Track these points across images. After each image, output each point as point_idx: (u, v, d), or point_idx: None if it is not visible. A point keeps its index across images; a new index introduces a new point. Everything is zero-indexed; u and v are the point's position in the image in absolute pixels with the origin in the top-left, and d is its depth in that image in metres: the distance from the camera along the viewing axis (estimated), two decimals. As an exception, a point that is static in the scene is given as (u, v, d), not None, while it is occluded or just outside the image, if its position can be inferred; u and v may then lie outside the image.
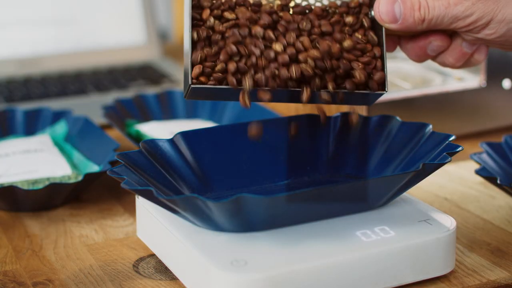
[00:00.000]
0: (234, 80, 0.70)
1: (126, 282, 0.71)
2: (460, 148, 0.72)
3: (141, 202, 0.75)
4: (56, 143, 0.95)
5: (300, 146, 0.80)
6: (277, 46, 0.71)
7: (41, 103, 1.13)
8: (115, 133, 1.02)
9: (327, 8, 0.76)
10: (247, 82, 0.70)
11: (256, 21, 0.73)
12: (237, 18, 0.73)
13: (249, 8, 0.74)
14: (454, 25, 0.75)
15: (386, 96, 0.97)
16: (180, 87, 1.19)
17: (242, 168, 0.78)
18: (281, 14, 0.74)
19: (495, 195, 0.87)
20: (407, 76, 1.05)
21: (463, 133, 1.01)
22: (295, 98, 0.73)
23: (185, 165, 0.77)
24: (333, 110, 0.96)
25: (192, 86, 0.71)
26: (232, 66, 0.71)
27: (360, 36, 0.75)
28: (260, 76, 0.71)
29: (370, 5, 0.76)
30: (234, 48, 0.71)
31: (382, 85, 0.74)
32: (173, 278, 0.72)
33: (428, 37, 0.78)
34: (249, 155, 0.78)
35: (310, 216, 0.69)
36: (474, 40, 0.77)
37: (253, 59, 0.71)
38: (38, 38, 1.29)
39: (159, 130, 0.96)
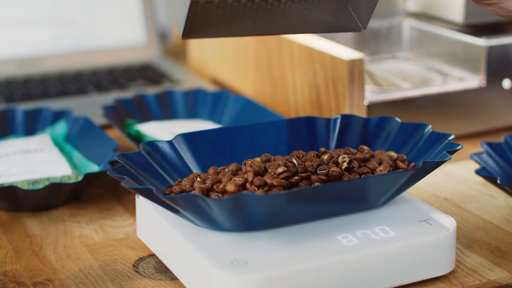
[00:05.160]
0: None
1: (126, 282, 0.71)
2: (459, 147, 0.72)
3: (141, 202, 0.75)
4: (56, 143, 0.95)
5: (300, 148, 0.80)
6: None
7: (41, 103, 1.13)
8: (115, 133, 1.02)
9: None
10: None
11: None
12: None
13: None
14: None
15: (386, 96, 0.97)
16: (179, 87, 1.19)
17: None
18: None
19: (495, 195, 0.87)
20: (407, 76, 1.05)
21: (463, 133, 1.01)
22: None
23: (185, 166, 0.77)
24: (333, 112, 0.96)
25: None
26: None
27: None
28: None
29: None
30: None
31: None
32: (173, 278, 0.72)
33: None
34: (249, 157, 0.78)
35: (310, 215, 0.70)
36: None
37: None
38: (38, 38, 1.29)
39: (159, 130, 0.96)
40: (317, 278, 0.65)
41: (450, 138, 0.74)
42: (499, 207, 0.85)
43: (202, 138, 0.78)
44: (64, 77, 1.25)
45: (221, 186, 0.70)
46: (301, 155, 0.76)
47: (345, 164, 0.73)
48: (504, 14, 0.73)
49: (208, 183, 0.72)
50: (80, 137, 0.95)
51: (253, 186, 0.70)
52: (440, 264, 0.69)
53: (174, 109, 1.05)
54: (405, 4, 1.14)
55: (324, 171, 0.72)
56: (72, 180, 0.86)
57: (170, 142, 0.77)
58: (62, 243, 0.78)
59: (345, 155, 0.74)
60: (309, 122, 0.81)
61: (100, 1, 1.33)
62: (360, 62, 0.93)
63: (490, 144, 0.88)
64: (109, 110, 0.99)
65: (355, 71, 0.93)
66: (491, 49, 1.00)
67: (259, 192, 0.69)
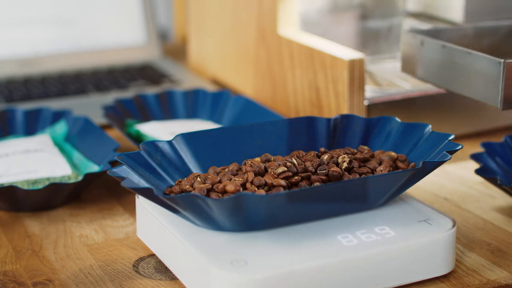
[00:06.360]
0: None
1: (126, 282, 0.71)
2: (459, 147, 0.72)
3: (141, 202, 0.75)
4: (56, 143, 0.95)
5: (300, 148, 0.80)
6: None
7: (41, 103, 1.13)
8: (115, 133, 1.02)
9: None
10: None
11: None
12: None
13: None
14: None
15: (386, 96, 0.97)
16: (179, 87, 1.19)
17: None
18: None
19: (495, 195, 0.87)
20: (407, 76, 1.05)
21: (463, 133, 1.01)
22: None
23: (185, 166, 0.77)
24: (333, 112, 0.96)
25: None
26: None
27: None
28: None
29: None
30: None
31: None
32: (173, 278, 0.72)
33: None
34: (249, 157, 0.78)
35: (310, 215, 0.70)
36: None
37: None
38: (38, 38, 1.29)
39: (159, 130, 0.96)
40: (317, 278, 0.65)
41: (450, 138, 0.74)
42: (499, 207, 0.85)
43: (202, 138, 0.78)
44: (64, 77, 1.25)
45: (221, 186, 0.70)
46: (301, 155, 0.76)
47: (345, 164, 0.73)
48: None
49: (208, 183, 0.72)
50: (80, 137, 0.95)
51: (253, 186, 0.70)
52: (440, 264, 0.69)
53: (174, 109, 1.05)
54: (405, 4, 1.14)
55: (324, 171, 0.72)
56: (72, 180, 0.86)
57: (170, 142, 0.77)
58: (62, 243, 0.78)
59: (345, 155, 0.74)
60: (309, 122, 0.81)
61: (100, 1, 1.33)
62: (360, 62, 0.93)
63: (490, 144, 0.88)
64: (109, 110, 0.99)
65: (355, 71, 0.93)
66: (491, 49, 1.00)
67: (259, 192, 0.69)
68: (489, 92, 0.80)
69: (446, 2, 1.06)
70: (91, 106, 1.10)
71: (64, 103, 1.14)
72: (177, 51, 1.46)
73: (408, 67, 0.91)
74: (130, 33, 1.34)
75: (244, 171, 0.72)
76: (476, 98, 0.82)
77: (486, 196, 0.87)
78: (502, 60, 0.78)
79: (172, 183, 0.75)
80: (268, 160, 0.75)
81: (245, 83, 1.16)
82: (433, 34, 0.91)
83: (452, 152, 0.72)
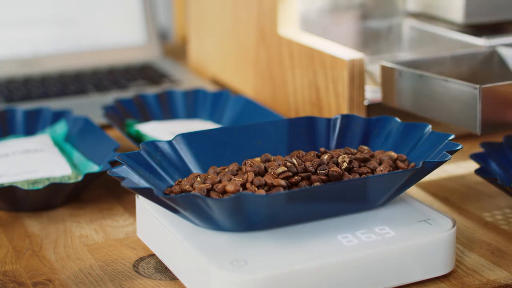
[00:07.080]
0: None
1: (126, 282, 0.71)
2: (460, 147, 0.72)
3: (141, 202, 0.75)
4: (56, 143, 0.95)
5: (300, 148, 0.80)
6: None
7: (41, 103, 1.13)
8: (115, 133, 1.02)
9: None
10: None
11: None
12: None
13: None
14: None
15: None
16: (179, 87, 1.19)
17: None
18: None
19: (495, 195, 0.87)
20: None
21: (463, 133, 1.01)
22: None
23: (185, 166, 0.77)
24: (333, 112, 0.96)
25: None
26: None
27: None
28: None
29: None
30: None
31: None
32: (173, 278, 0.72)
33: None
34: (249, 157, 0.78)
35: (310, 215, 0.70)
36: None
37: None
38: (38, 38, 1.29)
39: (159, 130, 0.96)
40: (317, 278, 0.65)
41: (450, 138, 0.74)
42: (499, 207, 0.85)
43: (202, 138, 0.78)
44: (64, 77, 1.25)
45: (221, 186, 0.70)
46: (301, 155, 0.76)
47: (345, 164, 0.73)
48: None
49: (208, 183, 0.72)
50: (80, 137, 0.95)
51: (253, 186, 0.70)
52: (440, 264, 0.69)
53: (174, 109, 1.05)
54: (405, 4, 1.14)
55: (324, 171, 0.72)
56: (72, 180, 0.86)
57: (170, 142, 0.77)
58: (62, 243, 0.78)
59: (345, 155, 0.74)
60: (309, 122, 0.81)
61: (100, 1, 1.33)
62: (360, 62, 0.93)
63: (490, 144, 0.88)
64: (109, 110, 0.99)
65: (355, 71, 0.93)
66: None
67: (259, 192, 0.69)
68: (467, 118, 0.83)
69: (446, 2, 1.06)
70: (91, 106, 1.10)
71: (64, 103, 1.14)
72: (177, 51, 1.46)
73: (388, 97, 0.93)
74: (130, 33, 1.34)
75: (244, 171, 0.72)
76: (454, 124, 0.85)
77: (486, 196, 0.87)
78: (478, 86, 0.81)
79: (172, 183, 0.75)
80: (268, 160, 0.75)
81: (245, 83, 1.16)
82: (411, 64, 0.92)
83: (452, 152, 0.72)
